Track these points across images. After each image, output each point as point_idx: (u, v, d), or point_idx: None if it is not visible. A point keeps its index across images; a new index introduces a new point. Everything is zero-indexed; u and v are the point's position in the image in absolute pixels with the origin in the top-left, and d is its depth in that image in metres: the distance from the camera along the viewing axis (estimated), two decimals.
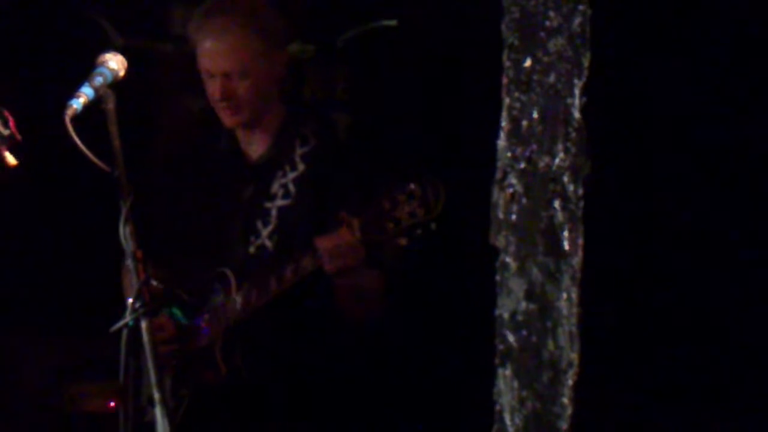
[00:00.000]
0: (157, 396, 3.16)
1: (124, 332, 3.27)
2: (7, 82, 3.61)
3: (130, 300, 3.27)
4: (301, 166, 4.06)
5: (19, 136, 3.38)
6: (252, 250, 4.03)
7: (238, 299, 3.93)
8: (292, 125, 4.11)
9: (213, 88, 4.01)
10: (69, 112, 3.36)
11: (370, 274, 3.91)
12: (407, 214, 3.70)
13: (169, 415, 3.17)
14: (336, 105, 5.33)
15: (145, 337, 3.22)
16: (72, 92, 3.42)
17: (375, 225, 3.72)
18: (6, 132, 3.37)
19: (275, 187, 4.06)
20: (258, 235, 4.04)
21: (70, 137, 3.30)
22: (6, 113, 3.38)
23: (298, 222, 4.01)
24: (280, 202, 4.05)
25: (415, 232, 3.73)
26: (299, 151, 4.08)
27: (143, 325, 3.23)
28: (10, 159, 3.38)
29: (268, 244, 4.02)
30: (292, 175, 4.06)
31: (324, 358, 4.05)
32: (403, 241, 3.76)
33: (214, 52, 3.98)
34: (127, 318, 3.25)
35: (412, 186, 3.71)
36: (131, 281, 4.12)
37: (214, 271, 4.00)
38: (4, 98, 3.47)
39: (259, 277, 3.90)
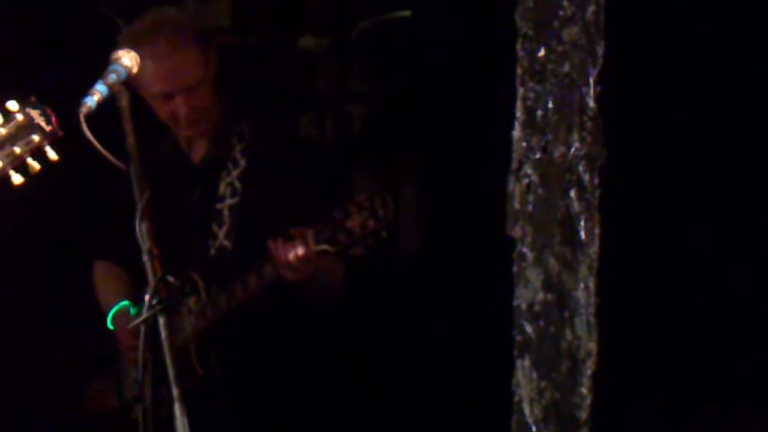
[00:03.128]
0: (175, 392, 3.16)
1: (142, 329, 3.26)
2: (21, 80, 3.62)
3: (147, 296, 3.27)
4: (242, 162, 4.12)
5: (60, 132, 3.41)
6: (213, 252, 4.09)
7: (208, 303, 4.00)
8: (228, 123, 4.15)
9: (173, 108, 4.02)
10: (83, 110, 3.35)
11: (331, 268, 3.97)
12: (358, 225, 3.79)
13: (154, 415, 3.19)
14: (351, 97, 5.33)
15: (163, 334, 3.22)
16: (86, 90, 3.42)
17: (328, 236, 3.81)
18: (48, 128, 3.41)
19: (222, 188, 4.12)
20: (215, 236, 4.10)
21: (85, 135, 3.30)
22: (48, 110, 3.42)
23: (251, 217, 4.07)
24: (229, 201, 4.10)
25: (367, 242, 3.82)
26: (238, 147, 4.14)
27: (161, 321, 3.22)
28: (52, 154, 3.41)
29: (227, 243, 4.08)
30: (235, 173, 4.12)
31: (297, 352, 4.12)
32: (358, 251, 3.84)
33: (167, 73, 3.94)
34: (145, 314, 3.25)
35: (360, 197, 3.80)
36: (113, 285, 4.25)
37: (180, 276, 4.03)
38: (19, 95, 3.49)
39: (226, 281, 3.97)
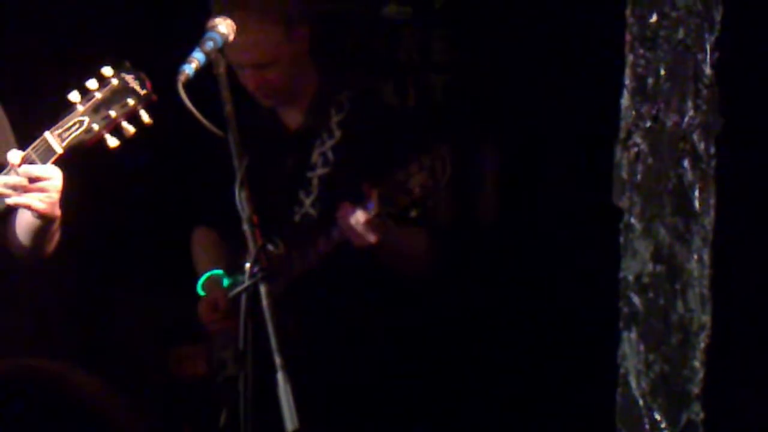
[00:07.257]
0: (278, 361, 3.15)
1: (243, 297, 3.26)
2: (119, 50, 3.64)
3: (248, 265, 3.26)
4: (337, 133, 4.13)
5: (155, 97, 3.48)
6: (297, 219, 4.09)
7: (284, 268, 3.99)
8: (327, 93, 4.14)
9: (245, 79, 4.06)
10: (181, 78, 3.39)
11: (410, 233, 3.93)
12: (418, 186, 3.75)
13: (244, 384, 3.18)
14: (433, 67, 5.28)
15: (264, 302, 3.21)
16: (184, 58, 3.43)
17: (390, 198, 3.79)
18: (143, 92, 3.48)
19: (315, 156, 4.12)
20: (302, 204, 4.11)
21: (184, 103, 3.31)
22: (142, 75, 3.48)
23: (339, 189, 4.05)
24: (320, 171, 4.11)
25: (425, 203, 3.78)
26: (335, 118, 4.13)
27: (262, 290, 3.22)
28: (146, 118, 3.47)
29: (312, 212, 4.11)
30: (329, 143, 4.13)
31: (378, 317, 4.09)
32: (414, 213, 3.80)
33: (238, 47, 3.95)
34: (246, 283, 3.24)
35: (423, 157, 3.75)
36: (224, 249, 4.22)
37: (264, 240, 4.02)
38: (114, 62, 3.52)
39: (300, 246, 3.97)
